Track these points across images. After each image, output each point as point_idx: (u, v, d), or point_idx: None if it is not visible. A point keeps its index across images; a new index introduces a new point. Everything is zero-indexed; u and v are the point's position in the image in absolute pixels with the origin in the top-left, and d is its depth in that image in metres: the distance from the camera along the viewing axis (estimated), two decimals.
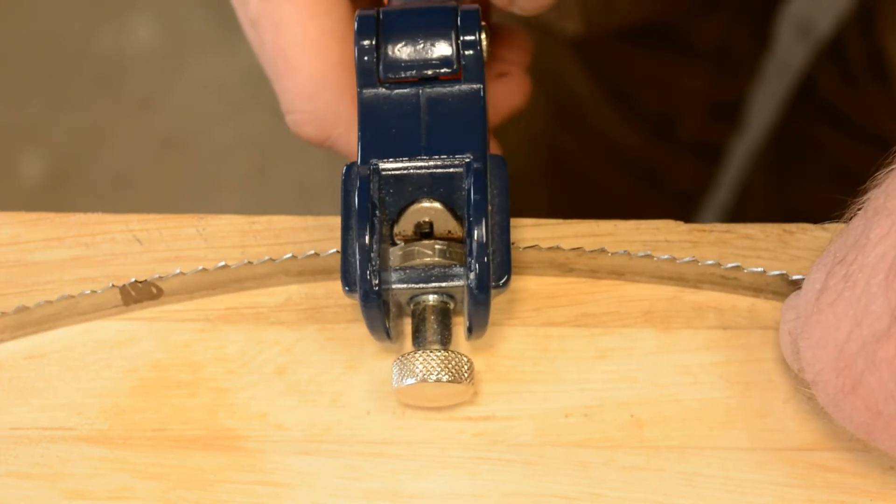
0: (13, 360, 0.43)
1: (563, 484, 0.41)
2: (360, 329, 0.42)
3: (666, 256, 0.42)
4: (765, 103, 1.11)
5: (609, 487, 0.41)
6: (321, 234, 0.45)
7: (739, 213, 1.03)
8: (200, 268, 0.43)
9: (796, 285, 0.42)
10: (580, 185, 0.95)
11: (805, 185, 0.87)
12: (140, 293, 0.43)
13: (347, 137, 0.46)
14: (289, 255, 0.43)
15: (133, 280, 0.43)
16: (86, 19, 1.37)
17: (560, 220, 0.45)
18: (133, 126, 1.33)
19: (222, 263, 0.43)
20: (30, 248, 0.45)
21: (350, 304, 0.44)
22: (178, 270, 0.43)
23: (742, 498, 0.41)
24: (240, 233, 0.45)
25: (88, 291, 0.43)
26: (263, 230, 0.45)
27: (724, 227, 0.45)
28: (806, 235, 0.45)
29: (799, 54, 1.20)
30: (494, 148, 0.52)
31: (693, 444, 0.41)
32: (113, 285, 0.43)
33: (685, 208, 1.00)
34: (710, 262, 0.42)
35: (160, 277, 0.43)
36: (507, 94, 0.50)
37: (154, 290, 0.43)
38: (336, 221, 0.45)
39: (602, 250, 0.43)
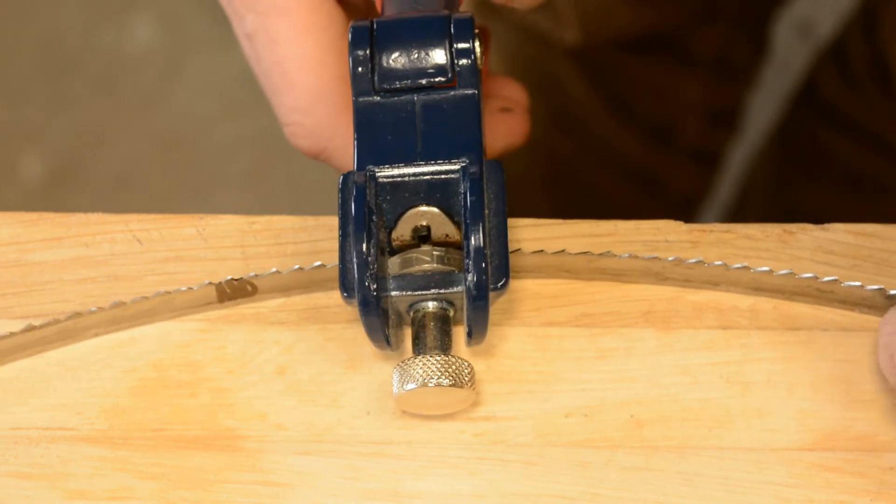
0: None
1: (563, 484, 0.41)
2: (361, 329, 0.42)
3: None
4: (765, 107, 1.11)
5: (609, 487, 0.41)
6: (321, 234, 0.45)
7: (740, 216, 1.02)
8: (297, 266, 0.43)
9: (893, 300, 0.42)
10: (580, 191, 0.94)
11: (807, 188, 0.87)
12: (235, 291, 0.43)
13: (343, 150, 0.46)
14: None
15: (229, 278, 0.43)
16: (86, 19, 1.37)
17: (559, 221, 0.45)
18: (133, 126, 1.33)
19: (318, 263, 0.43)
20: (30, 248, 0.45)
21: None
22: (273, 269, 0.43)
23: (741, 498, 0.41)
24: (240, 233, 0.45)
25: (185, 288, 0.43)
26: (263, 230, 0.45)
27: (724, 227, 0.45)
28: (806, 235, 0.45)
29: (800, 56, 1.19)
30: None
31: (692, 444, 0.41)
32: (210, 283, 0.43)
33: (686, 215, 0.99)
34: (807, 275, 0.42)
35: (256, 276, 0.43)
36: (508, 129, 0.51)
37: (249, 288, 0.43)
38: (336, 222, 0.45)
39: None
